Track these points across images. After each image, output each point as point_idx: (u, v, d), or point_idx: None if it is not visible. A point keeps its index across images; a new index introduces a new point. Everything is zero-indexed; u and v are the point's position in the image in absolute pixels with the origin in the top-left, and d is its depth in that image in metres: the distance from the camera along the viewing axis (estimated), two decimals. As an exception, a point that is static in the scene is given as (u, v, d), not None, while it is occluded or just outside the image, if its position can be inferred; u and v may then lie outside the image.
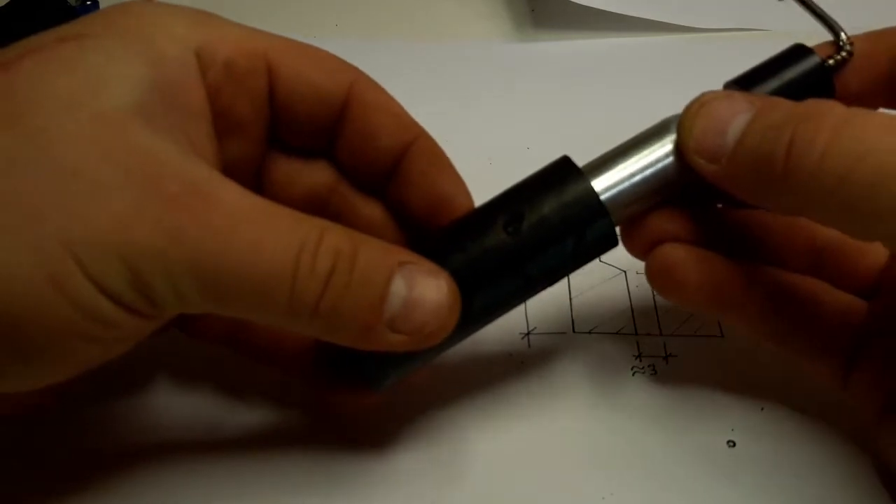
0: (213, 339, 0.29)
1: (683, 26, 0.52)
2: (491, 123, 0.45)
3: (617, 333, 0.32)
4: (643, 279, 0.35)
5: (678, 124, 0.25)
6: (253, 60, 0.25)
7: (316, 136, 0.27)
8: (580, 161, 0.26)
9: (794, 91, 0.25)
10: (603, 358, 0.31)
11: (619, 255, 0.35)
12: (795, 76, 0.25)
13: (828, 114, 0.22)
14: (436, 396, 0.30)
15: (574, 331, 0.32)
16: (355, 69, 0.27)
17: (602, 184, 0.25)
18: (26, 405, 0.25)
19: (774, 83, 0.25)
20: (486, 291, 0.25)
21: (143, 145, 0.21)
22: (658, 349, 0.31)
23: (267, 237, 0.21)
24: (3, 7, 0.46)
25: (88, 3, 0.49)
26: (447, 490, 0.27)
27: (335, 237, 0.22)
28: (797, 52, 0.26)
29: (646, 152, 0.26)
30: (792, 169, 0.22)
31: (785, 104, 0.23)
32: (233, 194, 0.21)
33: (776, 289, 0.27)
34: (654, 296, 0.34)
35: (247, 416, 0.29)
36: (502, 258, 0.25)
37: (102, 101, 0.21)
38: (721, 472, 0.27)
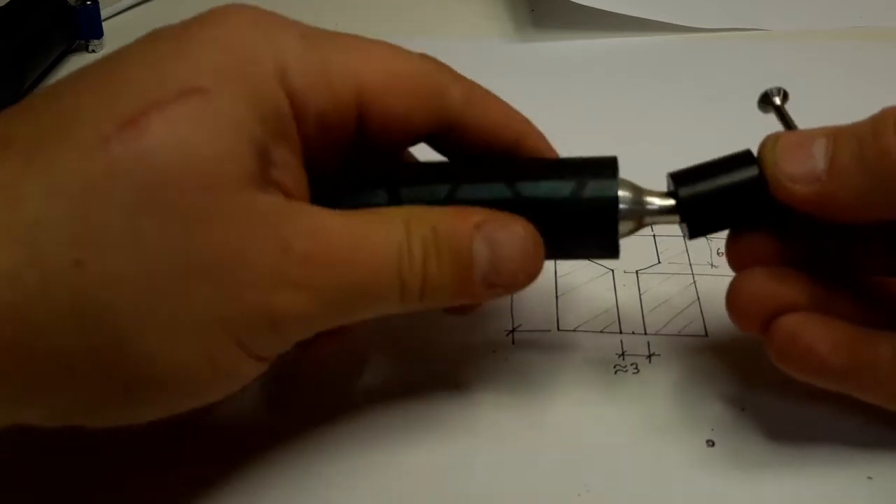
0: None
1: (683, 26, 0.52)
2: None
3: (601, 332, 0.32)
4: (630, 278, 0.35)
5: (762, 162, 0.25)
6: (343, 110, 0.25)
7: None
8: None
9: (729, 196, 0.26)
10: (586, 356, 0.31)
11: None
12: (733, 182, 0.26)
13: None
14: (418, 390, 0.30)
15: (559, 329, 0.32)
16: (451, 79, 0.27)
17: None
18: None
19: (711, 184, 0.26)
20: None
21: (266, 210, 0.22)
22: (642, 348, 0.31)
23: (376, 253, 0.23)
24: (3, 7, 0.47)
25: (88, 3, 0.50)
26: (424, 479, 0.27)
27: (417, 225, 0.24)
28: (744, 158, 0.26)
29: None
30: None
31: (853, 123, 0.24)
32: (338, 224, 0.23)
33: None
34: (640, 295, 0.34)
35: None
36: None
37: (229, 171, 0.21)
38: (699, 471, 0.27)
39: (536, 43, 0.53)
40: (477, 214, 0.25)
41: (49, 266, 0.19)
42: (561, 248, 0.27)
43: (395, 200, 0.26)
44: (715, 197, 0.26)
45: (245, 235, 0.21)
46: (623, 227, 0.26)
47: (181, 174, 0.21)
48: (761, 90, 0.28)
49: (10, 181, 0.20)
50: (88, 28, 0.50)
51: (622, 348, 0.31)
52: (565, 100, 0.48)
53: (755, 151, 0.26)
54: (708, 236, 0.36)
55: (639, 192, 0.26)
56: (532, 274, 0.25)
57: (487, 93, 0.28)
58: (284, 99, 0.23)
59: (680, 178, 0.26)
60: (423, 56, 0.27)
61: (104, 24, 0.51)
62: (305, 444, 0.28)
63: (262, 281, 0.21)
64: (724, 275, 0.34)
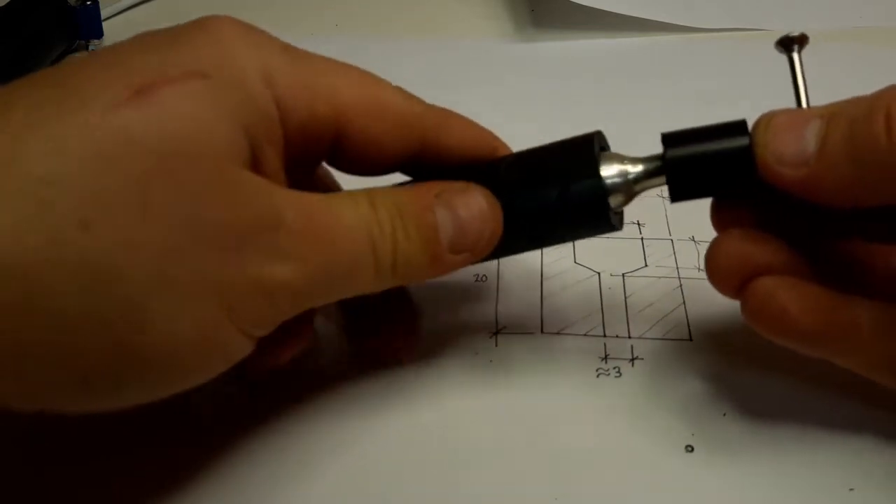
0: None
1: (683, 26, 0.52)
2: (490, 123, 0.45)
3: (585, 335, 0.32)
4: (616, 281, 0.35)
5: (753, 140, 0.24)
6: (322, 124, 0.25)
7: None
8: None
9: (715, 163, 0.25)
10: (568, 359, 0.31)
11: (593, 256, 0.36)
12: (721, 149, 0.25)
13: None
14: (401, 390, 0.30)
15: (542, 331, 0.32)
16: (423, 106, 0.27)
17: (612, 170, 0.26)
18: None
19: (699, 148, 0.25)
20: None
21: (260, 186, 0.23)
22: (625, 352, 0.31)
23: (350, 227, 0.24)
24: (3, 7, 0.47)
25: (88, 3, 0.50)
26: (401, 482, 0.27)
27: (381, 201, 0.25)
28: (737, 127, 0.25)
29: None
30: None
31: (854, 99, 0.24)
32: (317, 199, 0.24)
33: (883, 312, 0.25)
34: (625, 299, 0.34)
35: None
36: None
37: (228, 149, 0.22)
38: (677, 476, 0.27)
39: (536, 43, 0.53)
40: (434, 186, 0.26)
41: (57, 224, 0.19)
42: (557, 238, 0.28)
43: None
44: (701, 161, 0.25)
45: (244, 207, 0.22)
46: (615, 202, 0.26)
47: (191, 145, 0.21)
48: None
49: (12, 140, 0.19)
50: (88, 28, 0.51)
51: (605, 352, 0.31)
52: (565, 100, 0.48)
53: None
54: (696, 240, 0.36)
55: (623, 162, 0.26)
56: (493, 234, 0.26)
57: (457, 115, 0.28)
58: (272, 102, 0.24)
59: (670, 140, 0.26)
60: (396, 86, 0.27)
61: (104, 24, 0.52)
62: (283, 437, 0.29)
63: (260, 251, 0.22)
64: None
